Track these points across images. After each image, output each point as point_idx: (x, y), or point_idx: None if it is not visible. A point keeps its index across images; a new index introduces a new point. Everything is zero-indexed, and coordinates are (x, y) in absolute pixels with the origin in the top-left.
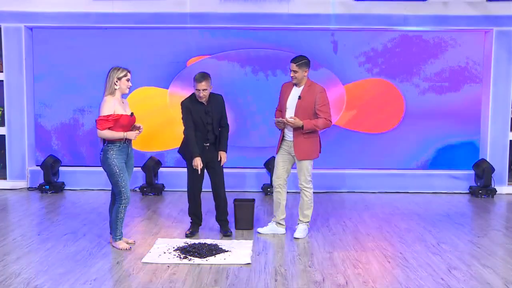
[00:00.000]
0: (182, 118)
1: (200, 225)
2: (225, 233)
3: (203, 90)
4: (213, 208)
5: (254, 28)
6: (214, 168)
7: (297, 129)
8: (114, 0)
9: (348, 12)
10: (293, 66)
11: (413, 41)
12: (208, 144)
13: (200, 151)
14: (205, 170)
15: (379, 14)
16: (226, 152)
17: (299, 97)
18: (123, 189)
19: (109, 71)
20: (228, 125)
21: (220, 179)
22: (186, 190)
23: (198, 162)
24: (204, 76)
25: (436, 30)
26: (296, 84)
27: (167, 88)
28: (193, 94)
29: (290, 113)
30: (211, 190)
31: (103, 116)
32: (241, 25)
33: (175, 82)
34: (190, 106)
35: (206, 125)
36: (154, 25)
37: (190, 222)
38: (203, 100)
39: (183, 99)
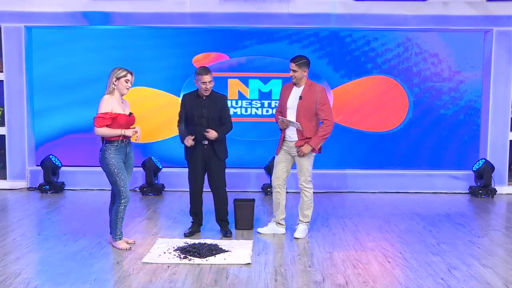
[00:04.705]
0: (179, 111)
1: (201, 225)
2: (225, 234)
3: (209, 82)
4: (213, 208)
5: (254, 28)
6: (212, 168)
7: (301, 134)
8: (114, 0)
9: (348, 12)
10: (293, 66)
11: (413, 41)
12: (206, 143)
13: (199, 149)
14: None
15: (379, 14)
16: (218, 135)
17: (300, 97)
18: (122, 189)
19: (111, 71)
20: (230, 123)
21: (219, 177)
22: (186, 190)
23: (188, 140)
24: (207, 69)
25: (436, 30)
26: (296, 85)
27: (169, 92)
28: (196, 90)
29: (290, 113)
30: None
31: (101, 113)
32: (241, 25)
33: (186, 90)
34: (187, 99)
35: (199, 118)
36: (154, 25)
37: (191, 222)
38: (207, 94)
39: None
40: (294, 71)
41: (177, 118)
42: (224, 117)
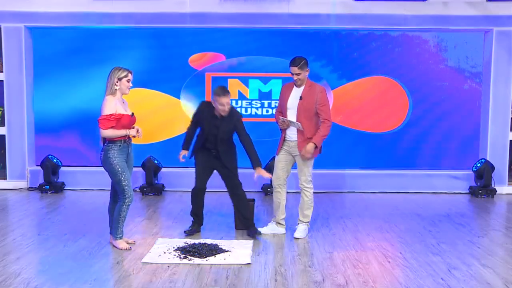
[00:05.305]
0: (193, 113)
1: (201, 225)
2: (255, 233)
3: (227, 103)
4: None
5: (254, 28)
6: (223, 172)
7: (301, 134)
8: (114, 0)
9: (348, 12)
10: (295, 70)
11: (413, 41)
12: (215, 152)
13: (207, 154)
14: (213, 172)
15: (379, 14)
16: (261, 167)
17: (300, 98)
18: (126, 188)
19: (110, 71)
20: (248, 136)
21: (234, 179)
22: (186, 190)
23: (181, 153)
24: (225, 90)
25: (436, 30)
26: (296, 85)
27: (168, 93)
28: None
29: (291, 114)
30: (215, 191)
31: (106, 115)
32: (241, 25)
33: (186, 91)
34: (204, 111)
35: (209, 135)
36: (154, 25)
37: (192, 221)
38: (225, 114)
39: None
40: (297, 74)
41: (178, 119)
42: (243, 136)
